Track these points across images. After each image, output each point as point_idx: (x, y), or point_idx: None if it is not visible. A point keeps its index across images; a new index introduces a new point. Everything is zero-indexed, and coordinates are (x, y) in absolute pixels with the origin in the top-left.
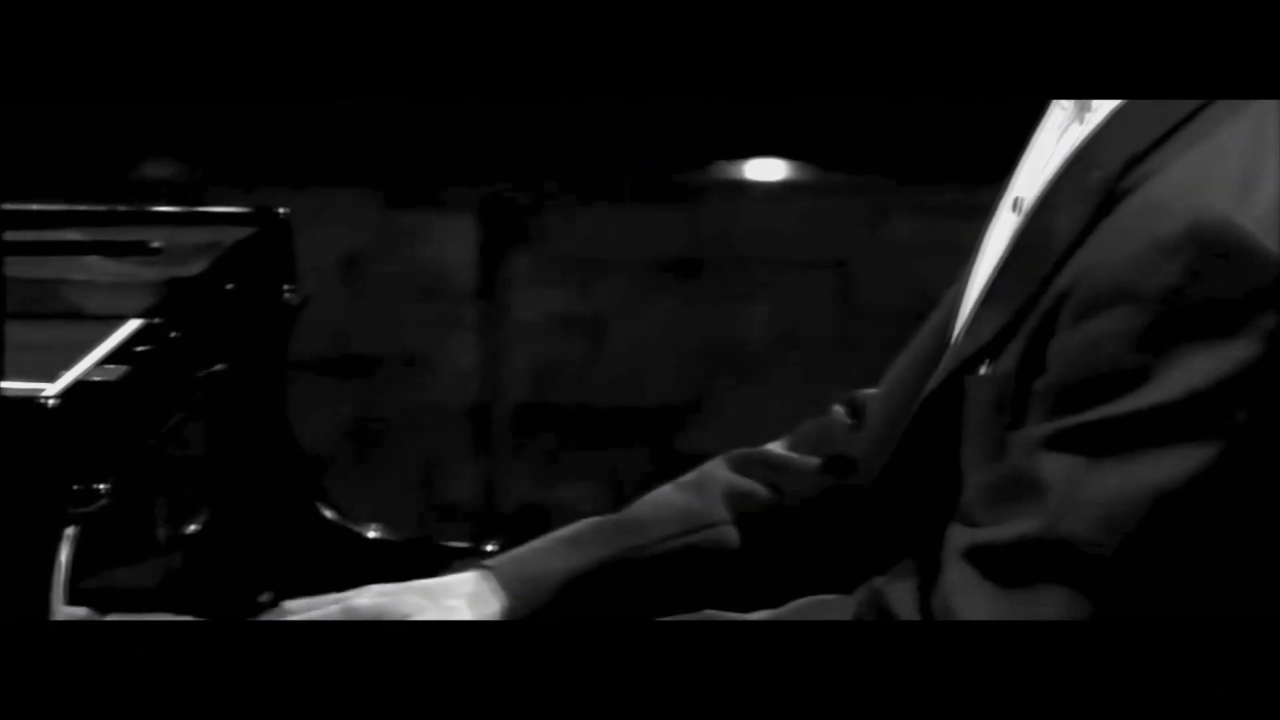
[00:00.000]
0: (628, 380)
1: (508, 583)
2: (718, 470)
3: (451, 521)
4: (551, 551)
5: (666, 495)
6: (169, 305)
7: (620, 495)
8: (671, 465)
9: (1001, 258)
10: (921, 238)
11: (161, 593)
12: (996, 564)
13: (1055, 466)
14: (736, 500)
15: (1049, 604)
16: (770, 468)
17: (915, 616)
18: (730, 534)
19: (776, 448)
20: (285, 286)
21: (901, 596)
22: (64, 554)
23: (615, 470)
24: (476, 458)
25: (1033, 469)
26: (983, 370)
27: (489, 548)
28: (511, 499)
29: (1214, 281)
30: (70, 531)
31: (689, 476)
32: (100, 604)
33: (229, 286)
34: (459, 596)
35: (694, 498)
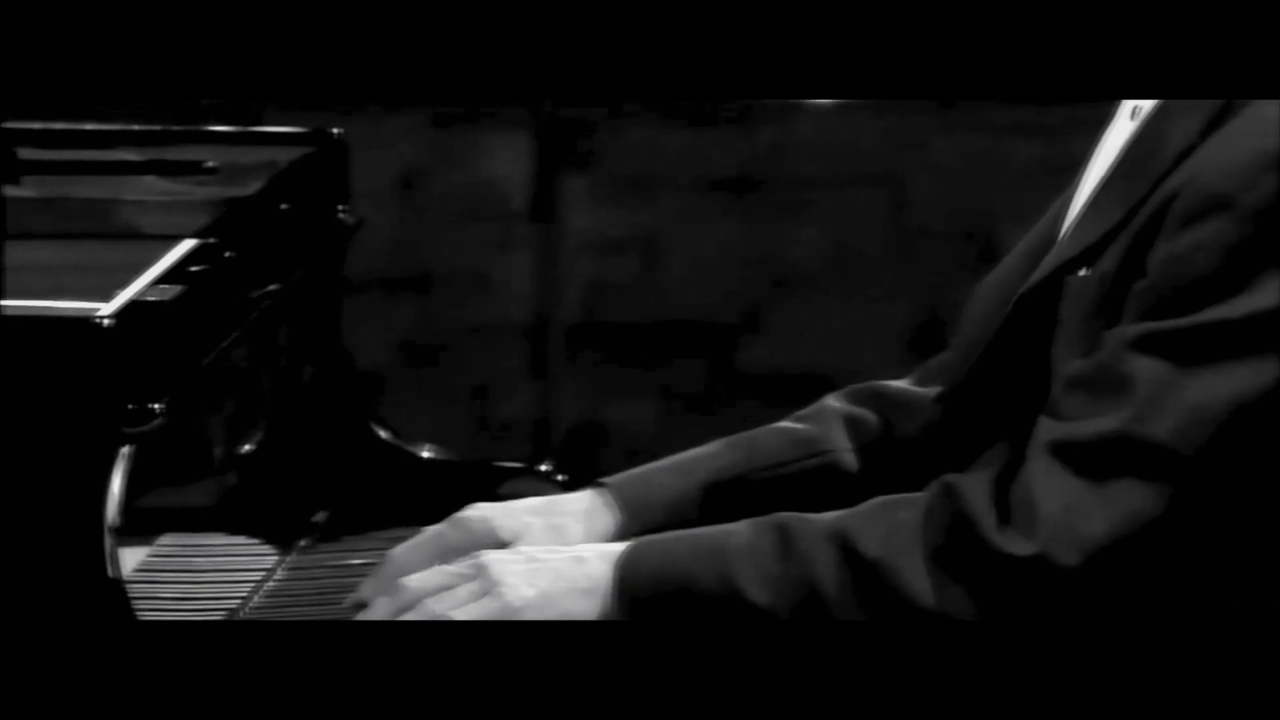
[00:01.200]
0: (681, 298)
1: (623, 499)
2: (835, 401)
3: (506, 441)
4: (667, 470)
5: (784, 424)
6: (224, 225)
7: (674, 413)
8: (726, 383)
9: (1113, 163)
10: (974, 156)
11: (216, 513)
12: (1079, 457)
13: (1144, 367)
14: (852, 429)
15: (1126, 500)
16: (884, 400)
17: (987, 506)
18: (846, 460)
19: (896, 382)
20: (340, 207)
21: (974, 486)
22: (119, 474)
23: (669, 388)
24: (531, 377)
25: (1122, 367)
26: (1083, 272)
27: (543, 467)
28: (566, 418)
29: None
30: (125, 451)
31: (807, 409)
32: (155, 525)
33: (284, 206)
34: (570, 514)
35: (811, 426)
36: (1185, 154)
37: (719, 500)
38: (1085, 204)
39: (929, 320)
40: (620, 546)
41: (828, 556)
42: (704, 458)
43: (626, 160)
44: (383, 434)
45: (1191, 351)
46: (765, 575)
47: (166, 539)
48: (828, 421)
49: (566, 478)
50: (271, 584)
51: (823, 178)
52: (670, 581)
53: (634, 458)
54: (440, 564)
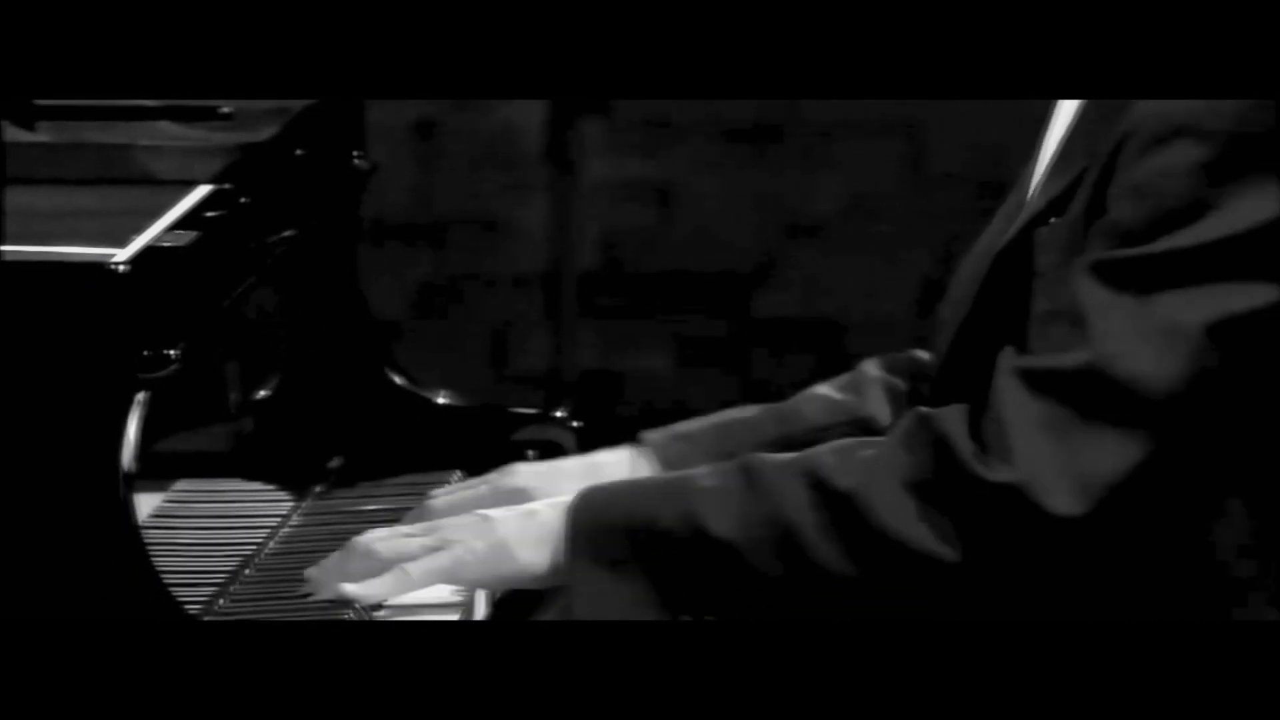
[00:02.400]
0: (699, 246)
1: (664, 457)
2: (871, 369)
3: (520, 387)
4: (708, 430)
5: (822, 390)
6: (239, 171)
7: (689, 361)
8: (743, 331)
9: (1073, 120)
10: (993, 102)
11: (232, 458)
12: (1049, 386)
13: (1105, 296)
14: (889, 396)
15: (1100, 435)
16: (919, 370)
17: (964, 433)
18: (883, 428)
19: (928, 354)
20: (355, 153)
21: (950, 416)
22: (134, 420)
23: (684, 336)
24: (547, 323)
25: (1086, 298)
26: (1053, 221)
27: (559, 414)
28: (582, 365)
29: (1274, 115)
30: (141, 397)
31: (845, 376)
32: (171, 470)
33: (299, 152)
34: (612, 476)
35: (848, 393)
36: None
37: None
38: (1050, 161)
39: (946, 269)
40: (567, 498)
41: (797, 490)
42: (745, 420)
43: (643, 106)
44: (398, 380)
45: (1160, 279)
46: (731, 511)
47: (182, 485)
48: (866, 389)
49: (580, 424)
50: (287, 530)
51: (840, 125)
52: (627, 520)
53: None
54: None
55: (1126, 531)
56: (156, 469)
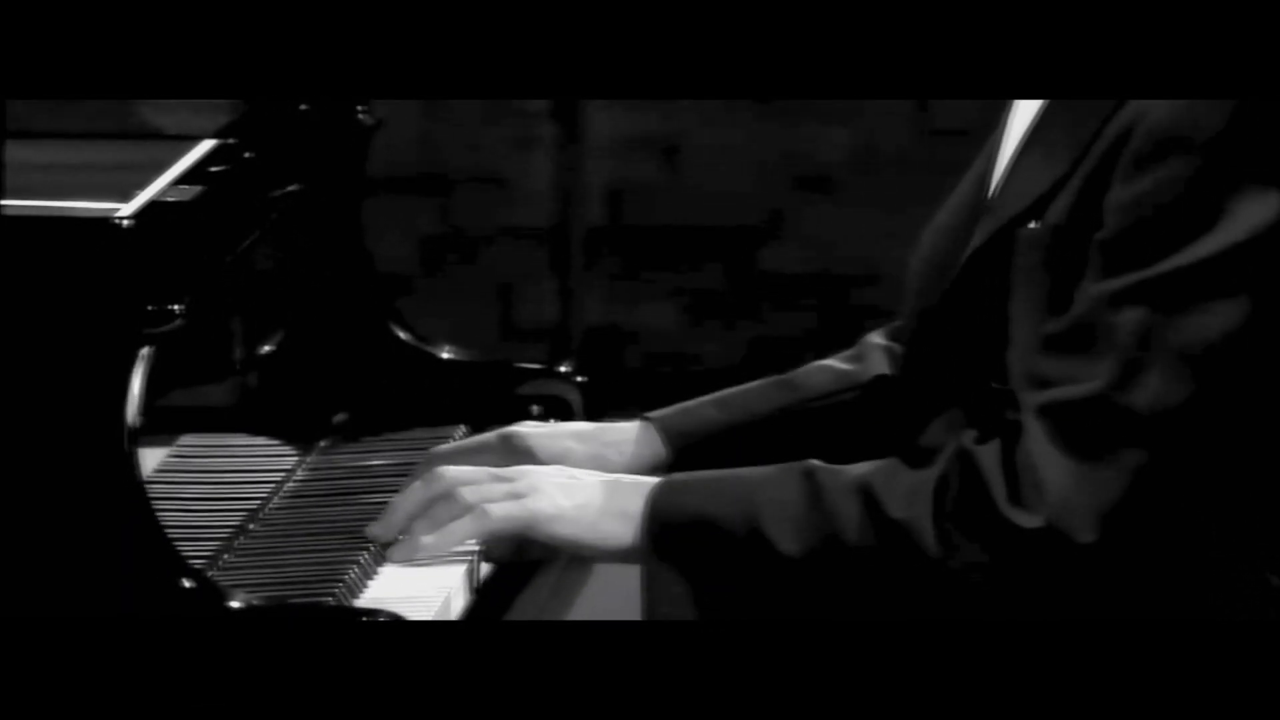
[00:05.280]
0: (704, 201)
1: (667, 433)
2: (876, 337)
3: (525, 342)
4: (712, 406)
5: (827, 362)
6: (243, 125)
7: (694, 316)
8: (749, 285)
9: (1042, 109)
10: None
11: (236, 413)
12: (1073, 422)
13: (1125, 320)
14: (890, 360)
15: (1125, 464)
16: None
17: (999, 476)
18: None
19: None
20: (359, 108)
21: (988, 455)
22: (139, 375)
23: (690, 291)
24: (552, 278)
25: (1102, 323)
26: (1033, 224)
27: (564, 368)
28: (587, 319)
29: (1262, 119)
30: (145, 352)
31: (850, 349)
32: (175, 425)
33: (303, 107)
34: (613, 444)
35: (853, 362)
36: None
37: (762, 436)
38: (1018, 152)
39: None
40: (654, 480)
41: (853, 510)
42: (749, 394)
43: None
44: (402, 335)
45: (1169, 298)
46: (791, 520)
47: (187, 439)
48: (869, 356)
49: (586, 379)
50: (291, 484)
51: None
52: (697, 520)
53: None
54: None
55: (1138, 546)
56: (161, 424)
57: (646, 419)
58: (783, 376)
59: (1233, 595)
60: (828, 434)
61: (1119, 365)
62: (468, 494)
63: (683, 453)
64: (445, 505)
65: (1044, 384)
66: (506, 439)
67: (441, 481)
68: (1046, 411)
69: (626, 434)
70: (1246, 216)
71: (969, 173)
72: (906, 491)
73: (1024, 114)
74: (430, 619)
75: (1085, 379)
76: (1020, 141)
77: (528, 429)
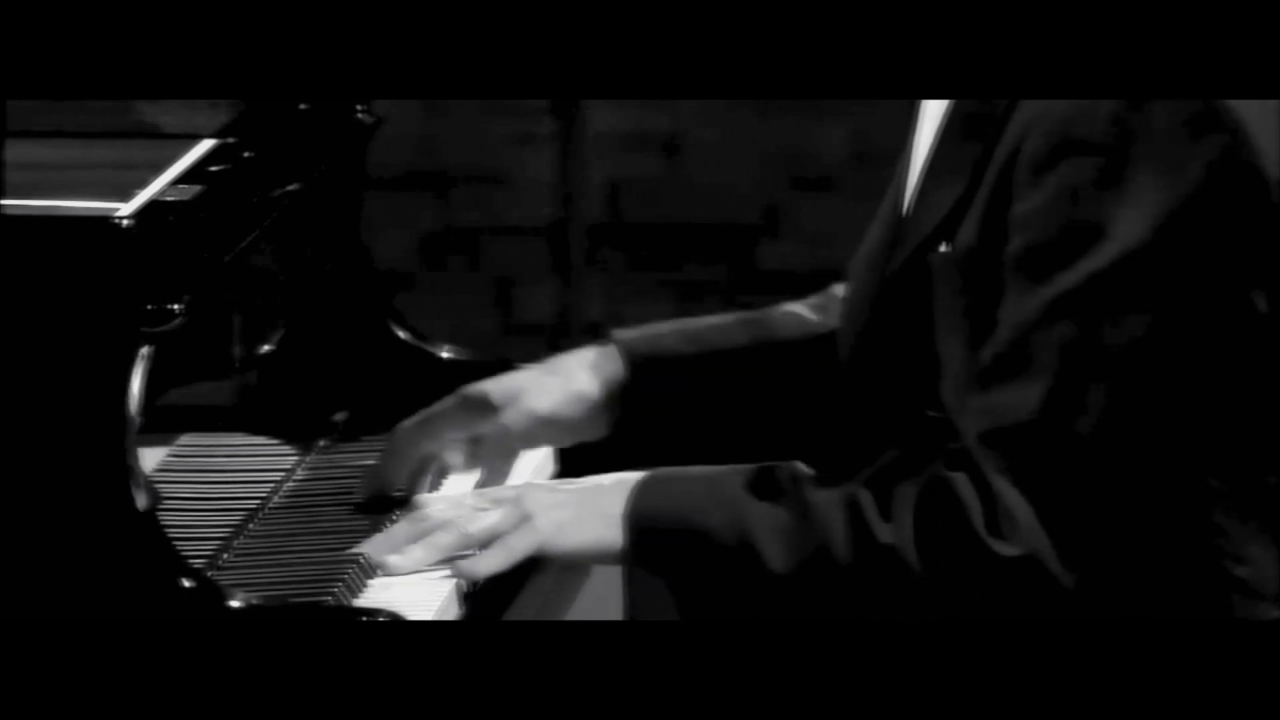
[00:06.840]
0: (704, 197)
1: (631, 354)
2: (839, 289)
3: (525, 340)
4: (677, 335)
5: (794, 307)
6: (243, 124)
7: (693, 313)
8: (748, 281)
9: (941, 125)
10: None
11: (236, 412)
12: (1020, 454)
13: (1053, 338)
14: None
15: (1081, 487)
16: None
17: (977, 505)
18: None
19: None
20: (359, 106)
21: (964, 485)
22: (139, 374)
23: (689, 288)
24: (552, 275)
25: (1030, 347)
26: (943, 248)
27: None
28: (587, 316)
29: (1153, 114)
30: (145, 351)
31: (816, 296)
32: (175, 424)
33: (303, 105)
34: (568, 371)
35: (818, 313)
36: (1013, 105)
37: (723, 370)
38: (923, 171)
39: None
40: (636, 476)
41: (842, 524)
42: (714, 328)
43: None
44: (402, 334)
45: (1089, 308)
46: (782, 532)
47: (186, 439)
48: (833, 306)
49: None
50: (291, 484)
51: None
52: (682, 525)
53: None
54: (444, 435)
55: (1118, 560)
56: (161, 423)
57: (609, 340)
58: (750, 315)
59: (1196, 588)
60: (785, 377)
61: (1052, 390)
62: (475, 531)
63: (641, 372)
64: (451, 541)
65: (982, 415)
66: (463, 398)
67: (428, 522)
68: (991, 444)
69: (582, 357)
70: (1152, 211)
71: (887, 193)
72: (894, 509)
73: (929, 128)
74: (429, 619)
75: (1022, 410)
76: (925, 159)
77: (485, 384)
